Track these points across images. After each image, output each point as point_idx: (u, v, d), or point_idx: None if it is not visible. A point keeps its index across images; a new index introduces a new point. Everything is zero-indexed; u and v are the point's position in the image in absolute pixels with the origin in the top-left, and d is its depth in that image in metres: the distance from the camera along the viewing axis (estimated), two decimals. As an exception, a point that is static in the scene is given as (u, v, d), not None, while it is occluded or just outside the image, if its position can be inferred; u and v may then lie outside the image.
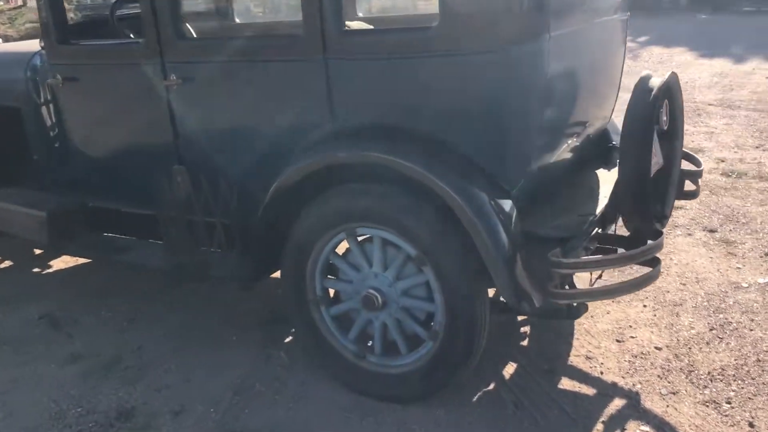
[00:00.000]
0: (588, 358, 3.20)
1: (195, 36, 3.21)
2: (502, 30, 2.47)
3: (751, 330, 3.35)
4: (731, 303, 3.60)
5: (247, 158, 3.03)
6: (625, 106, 2.76)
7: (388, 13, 4.77)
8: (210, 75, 3.00)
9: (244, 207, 3.02)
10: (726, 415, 2.78)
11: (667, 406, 2.85)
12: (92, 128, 3.53)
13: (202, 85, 3.04)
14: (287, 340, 3.48)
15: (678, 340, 3.31)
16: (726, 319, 3.45)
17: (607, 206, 2.89)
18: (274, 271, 3.21)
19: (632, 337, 3.35)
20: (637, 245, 2.68)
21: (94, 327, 3.71)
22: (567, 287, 2.68)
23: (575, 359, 3.20)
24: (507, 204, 2.58)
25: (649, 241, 2.64)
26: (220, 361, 3.31)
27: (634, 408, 2.85)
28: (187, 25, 3.15)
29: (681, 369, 3.08)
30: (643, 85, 2.77)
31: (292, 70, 2.82)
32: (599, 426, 2.75)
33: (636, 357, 3.19)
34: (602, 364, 3.15)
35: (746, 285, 3.78)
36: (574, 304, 2.71)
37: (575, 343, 3.32)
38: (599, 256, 2.72)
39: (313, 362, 3.11)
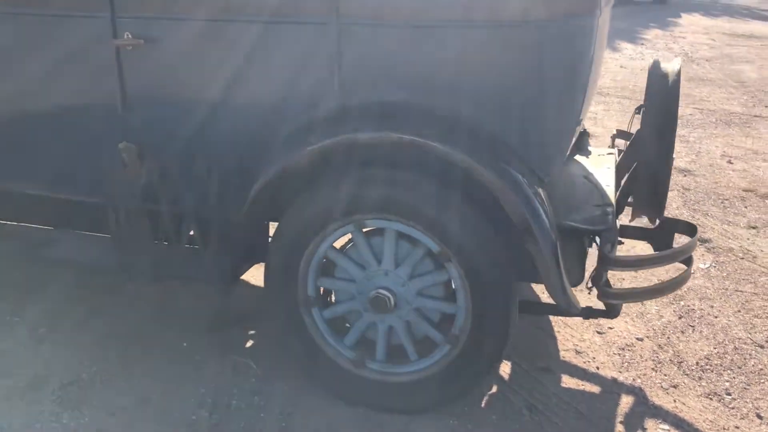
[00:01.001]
0: (578, 352, 3.07)
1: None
2: (555, 1, 2.22)
3: (716, 317, 3.39)
4: (686, 289, 3.63)
5: (226, 137, 2.56)
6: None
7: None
8: (181, 35, 2.50)
9: (221, 194, 2.56)
10: (732, 408, 2.76)
11: (674, 401, 2.78)
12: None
13: (168, 48, 2.52)
14: (248, 344, 3.05)
15: (654, 329, 3.27)
16: (688, 306, 3.48)
17: (619, 196, 2.75)
18: (247, 270, 2.79)
19: (610, 328, 3.27)
20: (664, 238, 2.56)
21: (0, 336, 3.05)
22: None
23: (566, 354, 3.06)
24: (544, 194, 2.36)
25: (686, 238, 2.53)
26: (177, 374, 2.82)
27: (644, 405, 2.76)
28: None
29: (671, 360, 3.04)
30: (659, 70, 2.65)
31: (294, 33, 2.39)
32: (620, 427, 2.63)
33: (623, 350, 3.11)
34: (594, 358, 3.03)
35: (691, 270, 3.84)
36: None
37: (558, 336, 3.19)
38: (656, 253, 2.56)
39: (304, 372, 2.71)
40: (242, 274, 2.77)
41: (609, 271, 2.45)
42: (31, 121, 2.73)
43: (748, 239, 4.30)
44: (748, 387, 2.88)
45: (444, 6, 2.27)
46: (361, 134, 2.32)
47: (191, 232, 2.63)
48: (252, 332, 3.12)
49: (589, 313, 2.52)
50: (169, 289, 3.39)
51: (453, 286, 2.50)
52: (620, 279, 3.63)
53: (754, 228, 4.47)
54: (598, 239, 2.50)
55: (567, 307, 2.31)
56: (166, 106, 2.58)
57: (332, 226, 2.47)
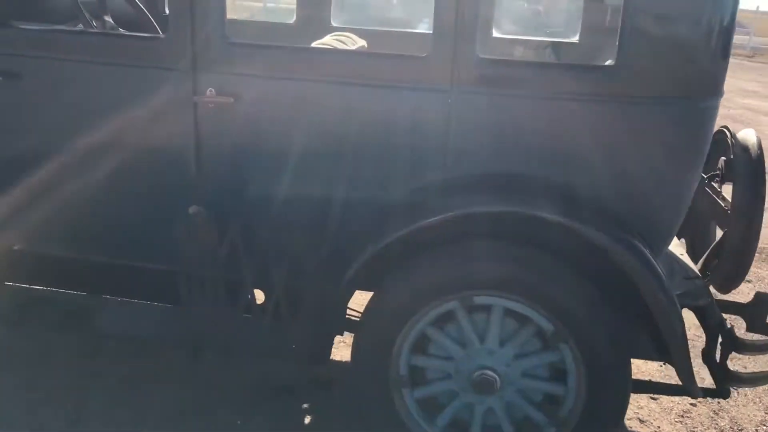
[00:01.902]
0: (641, 421, 3.02)
1: (255, 41, 2.43)
2: (690, 80, 2.17)
3: (753, 379, 3.42)
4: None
5: (318, 204, 2.37)
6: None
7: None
8: (276, 95, 2.30)
9: (316, 265, 2.36)
10: (806, 479, 2.77)
11: (751, 474, 2.77)
12: (42, 145, 2.54)
13: (257, 107, 2.32)
14: (306, 420, 2.82)
15: (702, 393, 3.26)
16: (723, 367, 3.49)
17: (701, 267, 2.72)
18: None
19: (661, 392, 3.23)
20: (759, 313, 2.55)
21: (18, 411, 2.68)
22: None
23: (631, 423, 2.99)
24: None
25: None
26: (242, 460, 2.57)
27: (725, 480, 2.73)
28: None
29: (731, 428, 3.03)
30: (740, 142, 2.65)
31: (404, 98, 2.25)
32: (713, 506, 2.58)
33: (683, 417, 3.08)
34: (659, 428, 2.99)
35: (711, 328, 3.88)
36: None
37: (616, 403, 3.12)
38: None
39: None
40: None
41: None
42: (89, 177, 2.44)
43: (747, 293, 4.40)
44: (811, 457, 2.90)
45: (565, 80, 2.19)
46: (486, 208, 2.19)
47: (274, 304, 2.41)
48: (305, 405, 2.90)
49: (705, 394, 2.46)
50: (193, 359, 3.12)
51: (560, 366, 2.38)
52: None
53: (749, 282, 4.59)
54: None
55: (691, 389, 2.25)
56: (248, 169, 2.38)
57: (436, 302, 2.32)
